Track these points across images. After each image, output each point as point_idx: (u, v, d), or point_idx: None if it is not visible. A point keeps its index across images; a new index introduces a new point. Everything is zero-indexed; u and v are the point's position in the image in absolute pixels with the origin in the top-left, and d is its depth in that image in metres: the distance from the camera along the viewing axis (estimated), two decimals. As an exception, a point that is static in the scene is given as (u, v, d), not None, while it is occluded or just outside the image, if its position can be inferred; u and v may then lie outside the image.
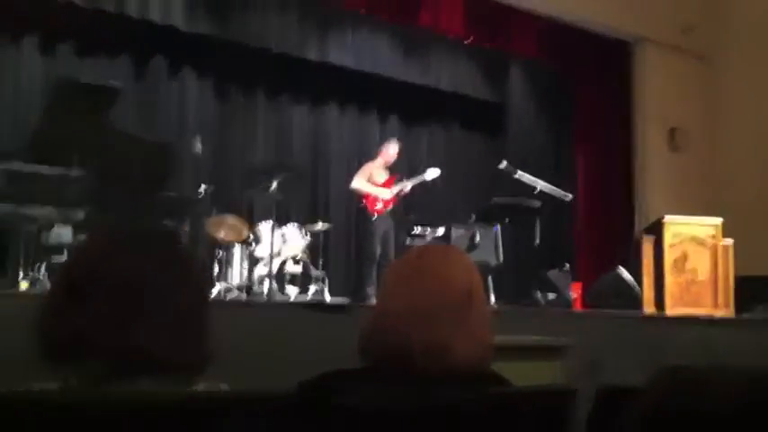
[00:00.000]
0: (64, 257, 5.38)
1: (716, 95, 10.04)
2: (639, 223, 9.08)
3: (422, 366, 1.63)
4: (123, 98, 7.16)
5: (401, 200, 7.90)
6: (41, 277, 5.23)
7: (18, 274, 4.72)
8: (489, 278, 7.20)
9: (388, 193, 7.70)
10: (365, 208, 7.69)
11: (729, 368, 1.25)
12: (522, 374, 1.96)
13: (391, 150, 7.93)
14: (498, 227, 7.59)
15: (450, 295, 1.71)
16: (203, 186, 7.24)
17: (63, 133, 5.18)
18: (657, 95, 9.77)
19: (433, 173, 7.94)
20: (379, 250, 7.56)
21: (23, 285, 4.66)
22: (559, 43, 9.31)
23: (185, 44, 7.89)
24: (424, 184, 8.03)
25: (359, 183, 7.72)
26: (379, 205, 7.66)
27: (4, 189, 4.77)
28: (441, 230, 7.76)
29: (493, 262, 7.49)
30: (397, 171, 8.07)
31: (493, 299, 7.15)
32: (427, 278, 1.73)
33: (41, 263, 5.42)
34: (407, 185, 7.85)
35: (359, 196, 7.77)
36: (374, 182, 7.74)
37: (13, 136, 7.02)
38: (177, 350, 1.41)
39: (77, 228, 5.48)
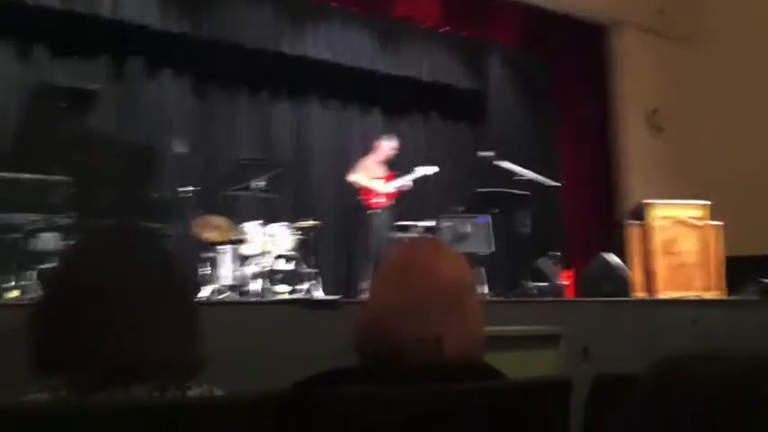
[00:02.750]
0: (53, 264, 5.34)
1: (695, 76, 10.06)
2: (623, 207, 9.09)
3: (415, 361, 1.62)
4: (102, 100, 7.13)
5: (400, 195, 7.89)
6: (32, 284, 5.19)
7: (7, 283, 4.67)
8: (482, 269, 7.21)
9: (388, 188, 7.69)
10: (361, 202, 7.67)
11: (725, 355, 1.24)
12: (516, 364, 1.96)
13: (388, 146, 7.94)
14: (488, 217, 7.59)
15: (440, 288, 1.70)
16: (187, 188, 7.20)
17: (42, 138, 5.13)
18: (636, 78, 9.79)
19: (427, 169, 7.96)
20: (374, 246, 7.55)
21: (13, 294, 4.61)
22: (537, 29, 9.31)
23: (161, 43, 7.81)
24: (423, 178, 8.05)
25: (358, 177, 7.71)
26: (379, 200, 7.65)
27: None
28: (429, 222, 7.77)
29: (484, 252, 7.49)
30: (388, 166, 8.07)
31: (485, 289, 7.15)
32: (416, 272, 1.73)
33: (31, 270, 5.37)
34: (410, 181, 7.83)
35: (355, 190, 7.76)
36: (371, 177, 7.73)
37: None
38: (169, 354, 1.39)
39: (64, 233, 5.45)
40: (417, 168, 8.04)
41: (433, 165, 8.21)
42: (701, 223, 6.83)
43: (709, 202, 6.87)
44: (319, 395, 1.54)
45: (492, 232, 7.59)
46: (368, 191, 7.69)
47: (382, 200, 7.70)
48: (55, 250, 5.52)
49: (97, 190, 5.31)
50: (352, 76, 9.02)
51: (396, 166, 8.20)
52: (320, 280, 7.50)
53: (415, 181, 8.02)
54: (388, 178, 7.83)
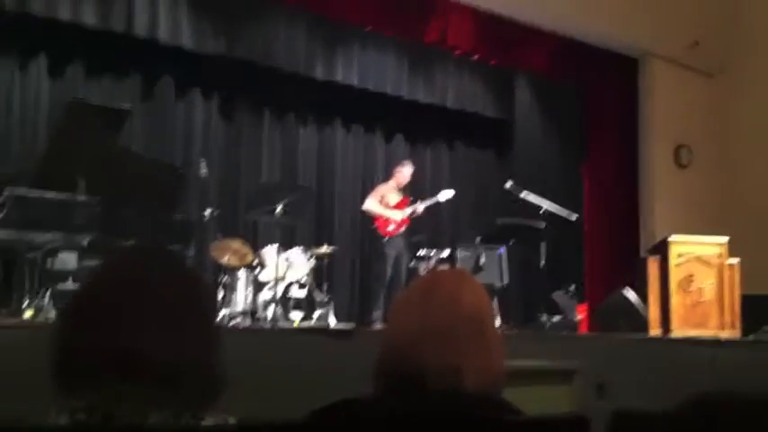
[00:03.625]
0: (69, 284, 5.36)
1: (723, 112, 10.03)
2: (645, 242, 9.04)
3: (434, 391, 1.62)
4: (131, 119, 7.22)
5: (413, 221, 7.91)
6: (46, 304, 5.21)
7: (22, 302, 4.68)
8: (495, 300, 7.19)
9: (400, 215, 7.71)
10: (376, 230, 7.69)
11: (747, 396, 1.24)
12: (530, 399, 1.95)
13: (405, 172, 7.98)
14: (503, 248, 7.57)
15: (463, 319, 1.70)
16: (208, 210, 7.25)
17: (71, 156, 5.17)
18: (664, 112, 9.75)
19: (446, 194, 7.98)
20: (389, 273, 7.55)
21: (28, 314, 4.62)
22: (567, 59, 9.30)
23: (192, 64, 7.91)
24: (436, 205, 8.05)
25: (371, 204, 7.74)
26: (391, 227, 7.67)
27: (9, 214, 4.74)
28: (446, 252, 7.76)
29: (498, 284, 7.47)
30: (409, 193, 8.09)
31: (498, 321, 7.13)
32: (439, 302, 1.73)
33: (46, 290, 5.40)
34: (420, 207, 7.86)
35: (370, 218, 7.77)
36: (386, 203, 7.76)
37: (20, 160, 7.05)
38: (193, 375, 1.41)
39: (83, 253, 5.47)
40: (435, 194, 8.07)
41: (453, 192, 8.21)
42: (718, 261, 6.77)
43: (726, 239, 6.82)
44: (337, 425, 1.54)
45: (506, 264, 7.58)
46: (382, 218, 7.71)
47: (394, 227, 7.70)
48: (73, 270, 5.55)
49: (122, 209, 5.34)
50: (378, 102, 9.06)
51: (411, 192, 8.23)
52: (332, 307, 7.50)
53: (431, 207, 8.04)
54: (403, 204, 7.85)
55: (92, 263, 5.19)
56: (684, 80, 9.88)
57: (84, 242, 4.98)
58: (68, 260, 5.52)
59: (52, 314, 4.80)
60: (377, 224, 7.73)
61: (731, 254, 6.81)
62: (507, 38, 8.84)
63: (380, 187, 7.97)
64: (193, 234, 6.21)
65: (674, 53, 9.66)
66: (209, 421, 1.43)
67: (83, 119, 5.33)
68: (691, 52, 9.62)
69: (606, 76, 9.66)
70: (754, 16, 9.75)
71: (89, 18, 7.04)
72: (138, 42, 7.39)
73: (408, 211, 7.81)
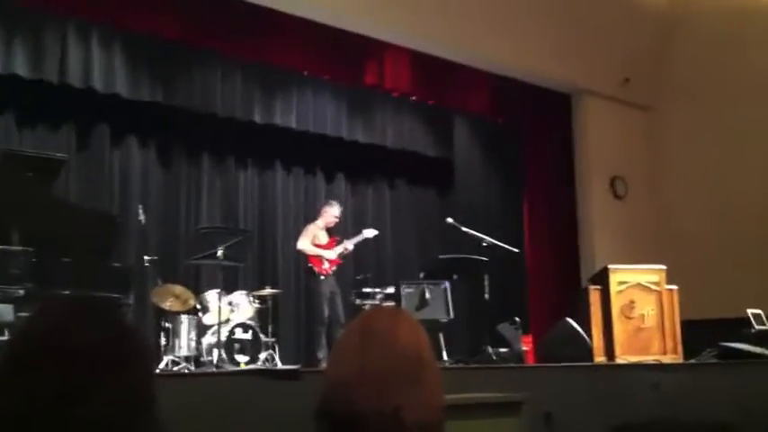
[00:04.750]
0: (5, 336, 5.22)
1: (657, 144, 10.30)
2: (586, 272, 9.17)
3: (376, 430, 1.62)
4: (67, 167, 7.12)
5: (344, 260, 7.96)
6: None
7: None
8: (440, 335, 7.21)
9: (332, 254, 7.74)
10: (312, 269, 7.70)
11: (678, 421, 1.27)
12: (479, 432, 1.96)
13: (333, 212, 8.01)
14: (447, 283, 7.62)
15: (400, 359, 1.70)
16: (147, 257, 7.17)
17: (4, 206, 5.07)
18: (599, 146, 9.97)
19: (370, 232, 8.07)
20: (326, 312, 7.55)
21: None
22: (503, 98, 9.47)
23: (128, 111, 7.86)
24: (365, 242, 8.12)
25: (304, 244, 7.76)
26: (326, 266, 7.69)
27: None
28: (390, 289, 7.78)
29: (443, 318, 7.50)
30: (338, 232, 8.14)
31: (444, 356, 7.14)
32: (375, 342, 1.73)
33: (-17, 341, 5.26)
34: (350, 245, 7.92)
35: (306, 257, 7.79)
36: (317, 243, 7.78)
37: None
38: (127, 428, 1.38)
39: (18, 305, 5.34)
40: (364, 231, 8.14)
41: (394, 230, 8.25)
42: (659, 287, 6.91)
43: (664, 267, 6.97)
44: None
45: (450, 298, 7.62)
46: (316, 257, 7.73)
47: (328, 266, 7.74)
48: (8, 322, 5.41)
49: (58, 259, 5.25)
50: (318, 143, 9.12)
51: (349, 228, 8.28)
52: (277, 349, 7.45)
53: (365, 244, 8.10)
54: (331, 244, 7.90)
55: (27, 314, 5.07)
56: (618, 114, 10.13)
57: (20, 293, 4.86)
58: (4, 312, 5.38)
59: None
60: (312, 263, 7.74)
61: (668, 282, 6.96)
62: (444, 78, 8.98)
63: (310, 227, 8.00)
64: (133, 281, 6.11)
65: (607, 89, 9.91)
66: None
67: (16, 169, 5.23)
68: (623, 88, 9.87)
69: (541, 113, 9.87)
70: (684, 53, 10.07)
71: (21, 69, 6.97)
72: (73, 91, 7.32)
73: (339, 249, 7.87)
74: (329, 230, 8.09)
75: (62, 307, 1.55)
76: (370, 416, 1.63)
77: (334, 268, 7.81)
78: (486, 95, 9.41)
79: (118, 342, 1.47)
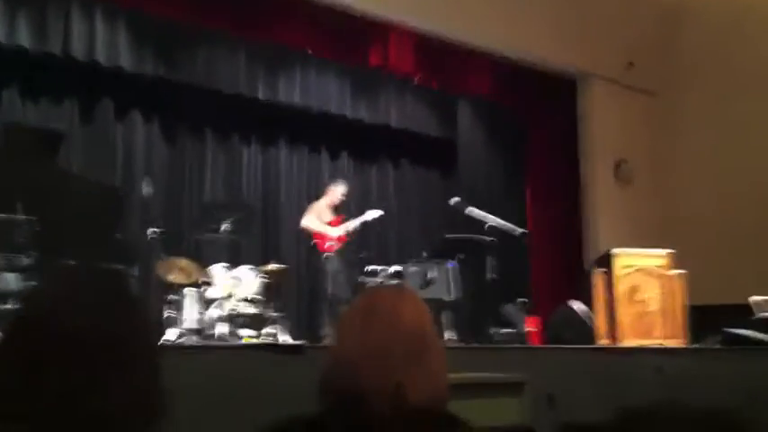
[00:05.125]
0: (9, 305, 5.25)
1: (662, 128, 10.26)
2: (590, 256, 9.17)
3: (377, 409, 1.62)
4: (70, 141, 7.10)
5: (349, 238, 7.95)
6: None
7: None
8: (444, 315, 7.21)
9: (336, 232, 7.75)
10: (316, 246, 7.70)
11: (688, 406, 1.26)
12: (480, 412, 1.95)
13: (338, 191, 8.02)
14: (453, 263, 7.61)
15: (402, 336, 1.70)
16: (152, 229, 7.17)
17: (8, 178, 5.08)
18: (603, 129, 9.94)
19: (373, 213, 8.06)
20: (330, 289, 7.56)
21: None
22: (508, 80, 9.44)
23: (132, 86, 7.83)
24: (370, 223, 8.12)
25: (309, 221, 7.76)
26: (329, 243, 7.69)
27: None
28: (394, 268, 7.78)
29: (447, 298, 7.50)
30: (343, 211, 8.14)
31: (448, 335, 7.15)
32: (378, 320, 1.73)
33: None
34: (352, 225, 7.92)
35: (309, 235, 7.79)
36: (322, 221, 7.79)
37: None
38: (129, 401, 1.37)
39: (24, 274, 5.37)
40: (368, 212, 8.14)
41: (397, 209, 8.23)
42: (663, 272, 6.89)
43: (671, 251, 6.95)
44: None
45: (458, 278, 7.61)
46: (320, 235, 7.73)
47: (334, 243, 7.75)
48: (16, 291, 5.44)
49: (63, 230, 5.26)
50: (323, 121, 9.09)
51: (352, 208, 8.28)
52: (285, 324, 7.46)
53: (368, 225, 8.11)
54: (337, 222, 7.91)
55: (33, 283, 5.09)
56: (623, 99, 10.09)
57: (25, 263, 4.88)
58: (9, 281, 5.40)
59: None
60: (316, 241, 7.75)
61: (674, 266, 6.95)
62: (448, 61, 8.94)
63: (315, 205, 8.00)
64: (137, 254, 6.12)
65: (612, 73, 9.86)
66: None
67: (19, 142, 5.24)
68: (628, 72, 9.82)
69: (546, 97, 9.83)
70: (690, 38, 10.02)
71: (25, 40, 6.94)
72: (77, 64, 7.29)
73: (344, 227, 7.87)
74: (335, 209, 8.09)
75: (68, 276, 1.55)
76: (373, 393, 1.63)
77: (339, 246, 7.81)
78: (490, 78, 9.39)
79: (123, 312, 1.47)
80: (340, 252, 7.83)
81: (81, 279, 1.51)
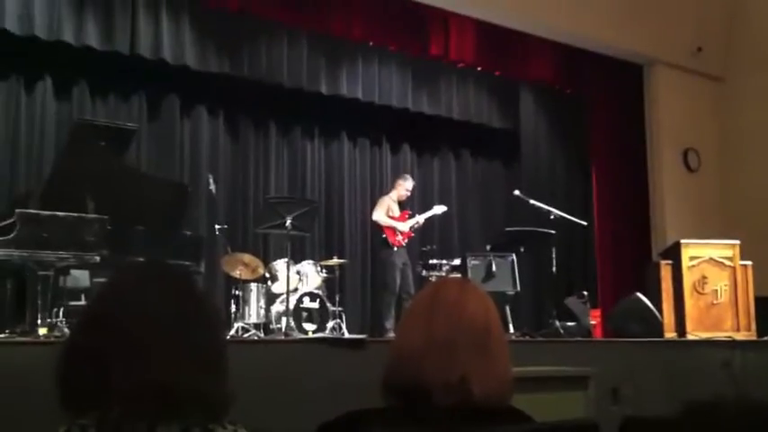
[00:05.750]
0: (81, 302, 5.38)
1: (731, 115, 9.99)
2: (656, 247, 9.01)
3: (442, 402, 1.62)
4: (138, 137, 7.26)
5: (415, 233, 7.99)
6: (59, 323, 5.23)
7: (36, 320, 4.70)
8: (507, 308, 7.17)
9: (405, 226, 7.79)
10: (386, 240, 7.74)
11: (756, 401, 1.23)
12: (544, 406, 1.94)
13: (407, 186, 8.04)
14: (514, 256, 7.56)
15: (467, 329, 1.69)
16: (218, 225, 7.30)
17: (78, 176, 5.19)
18: (671, 117, 9.72)
19: (440, 208, 8.09)
20: (398, 282, 7.59)
21: (42, 331, 4.63)
22: (572, 68, 9.27)
23: (197, 82, 7.96)
24: (434, 217, 8.14)
25: (380, 216, 7.81)
26: (399, 237, 7.74)
27: (21, 234, 4.77)
28: (456, 261, 7.77)
29: (510, 291, 7.45)
30: (406, 205, 8.16)
31: (511, 329, 7.11)
32: (443, 313, 1.72)
33: (59, 308, 5.42)
34: (420, 219, 7.95)
35: (379, 228, 7.84)
36: (390, 215, 7.84)
37: (28, 180, 7.09)
38: (198, 393, 1.40)
39: (94, 271, 5.49)
40: (435, 207, 8.15)
41: (459, 202, 8.20)
42: (731, 263, 6.75)
43: (738, 242, 6.79)
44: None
45: (517, 271, 7.56)
46: (390, 229, 7.77)
47: (402, 238, 7.78)
48: (85, 288, 5.58)
49: (131, 227, 5.36)
50: (384, 114, 9.10)
51: (414, 199, 8.29)
52: (344, 318, 7.53)
53: (434, 219, 8.12)
54: (403, 217, 7.93)
55: (103, 280, 5.21)
56: (690, 85, 9.85)
57: (96, 260, 4.99)
58: (81, 278, 5.55)
59: (66, 331, 4.81)
60: (386, 234, 7.78)
61: (742, 257, 6.80)
62: (510, 49, 8.82)
63: (384, 199, 8.04)
64: (203, 250, 6.22)
65: (679, 59, 9.62)
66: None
67: (89, 139, 5.35)
68: (695, 58, 9.59)
69: (610, 84, 9.63)
70: (759, 21, 9.73)
71: (93, 40, 7.10)
72: (143, 62, 7.44)
73: (411, 222, 7.90)
74: (400, 204, 8.12)
75: (138, 273, 1.59)
76: (438, 386, 1.63)
77: (406, 240, 7.86)
78: (553, 65, 9.22)
79: (191, 308, 1.50)
80: (405, 246, 7.88)
81: (150, 275, 1.55)
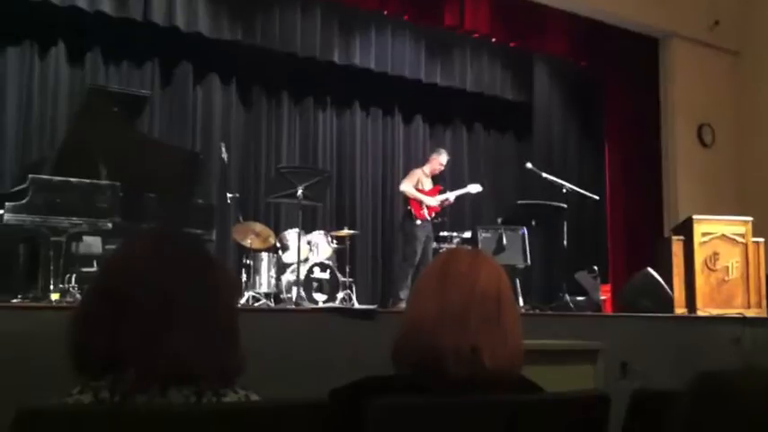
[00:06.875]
0: (93, 268, 5.41)
1: (747, 90, 9.89)
2: (668, 222, 8.97)
3: (453, 372, 1.62)
4: (152, 105, 7.25)
5: (443, 209, 7.96)
6: (71, 288, 5.27)
7: (49, 286, 4.73)
8: (517, 281, 7.17)
9: (434, 201, 7.77)
10: (410, 212, 7.73)
11: (763, 373, 1.23)
12: (554, 379, 1.94)
13: (441, 160, 8.01)
14: (525, 229, 7.54)
15: (479, 299, 1.69)
16: (229, 194, 7.31)
17: (91, 142, 5.19)
18: (686, 91, 9.62)
19: (476, 187, 8.05)
20: (419, 255, 7.59)
21: (54, 297, 4.67)
22: (586, 41, 9.18)
23: (210, 50, 7.93)
24: (467, 195, 8.11)
25: (407, 187, 7.80)
26: (424, 211, 7.72)
27: (34, 199, 4.79)
28: (467, 234, 7.76)
29: (520, 264, 7.45)
30: (439, 182, 8.11)
31: (521, 302, 7.12)
32: (455, 283, 1.72)
33: (71, 274, 5.45)
34: (451, 197, 7.91)
35: (406, 200, 7.83)
36: (420, 189, 7.80)
37: (41, 146, 7.11)
38: (209, 359, 1.41)
39: (106, 238, 5.51)
40: (469, 186, 8.12)
41: (472, 174, 8.16)
42: (743, 240, 6.72)
43: (751, 219, 6.76)
44: (359, 404, 1.54)
45: (527, 245, 7.55)
46: (416, 201, 7.74)
47: (427, 212, 7.76)
48: (97, 254, 5.60)
49: (143, 194, 5.37)
50: (397, 85, 9.06)
51: (440, 181, 8.24)
52: (354, 289, 7.54)
53: (458, 197, 8.08)
54: (434, 192, 7.89)
55: (115, 247, 5.22)
56: (706, 59, 9.74)
57: (108, 226, 5.01)
58: (93, 244, 5.57)
59: (78, 297, 4.84)
60: (411, 206, 7.77)
61: (754, 233, 6.76)
62: (525, 20, 8.74)
63: (416, 171, 8.00)
64: (215, 218, 6.23)
65: (695, 33, 9.52)
66: (232, 398, 1.43)
67: (102, 105, 5.34)
68: (712, 32, 9.48)
69: (626, 57, 9.53)
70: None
71: (107, 6, 7.07)
72: (157, 29, 7.41)
73: (441, 198, 7.86)
74: (434, 178, 8.08)
75: (150, 240, 1.59)
76: (449, 355, 1.63)
77: (432, 215, 7.83)
78: (568, 38, 9.12)
79: (204, 274, 1.50)
80: (430, 221, 7.85)
81: (162, 243, 1.55)
